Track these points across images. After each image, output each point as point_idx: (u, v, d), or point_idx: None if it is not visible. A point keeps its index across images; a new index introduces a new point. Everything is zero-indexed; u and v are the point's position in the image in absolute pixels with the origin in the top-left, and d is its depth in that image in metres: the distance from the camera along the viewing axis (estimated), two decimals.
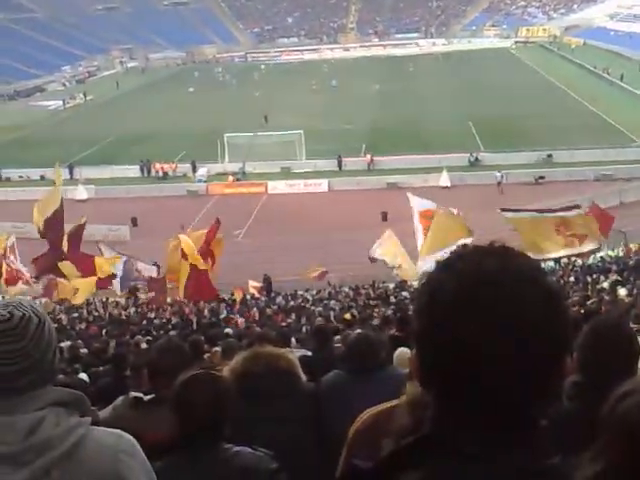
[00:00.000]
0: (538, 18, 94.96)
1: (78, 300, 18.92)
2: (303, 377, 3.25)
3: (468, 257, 0.99)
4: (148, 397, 2.92)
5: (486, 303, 0.93)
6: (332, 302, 18.44)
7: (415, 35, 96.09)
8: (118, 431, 1.62)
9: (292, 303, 19.33)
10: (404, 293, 18.44)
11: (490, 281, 0.94)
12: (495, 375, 0.92)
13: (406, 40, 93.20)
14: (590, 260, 20.88)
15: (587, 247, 15.89)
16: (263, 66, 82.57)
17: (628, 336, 2.55)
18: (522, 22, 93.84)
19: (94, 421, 1.59)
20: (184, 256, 15.23)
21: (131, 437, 1.62)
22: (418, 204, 18.49)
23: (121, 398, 3.04)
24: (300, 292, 21.46)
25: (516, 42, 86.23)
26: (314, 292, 21.29)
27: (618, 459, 1.06)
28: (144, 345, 10.00)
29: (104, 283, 19.09)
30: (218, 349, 6.59)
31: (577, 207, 16.37)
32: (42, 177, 37.93)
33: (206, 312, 17.40)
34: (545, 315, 0.94)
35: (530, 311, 0.93)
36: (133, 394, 2.97)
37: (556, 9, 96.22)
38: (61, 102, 63.50)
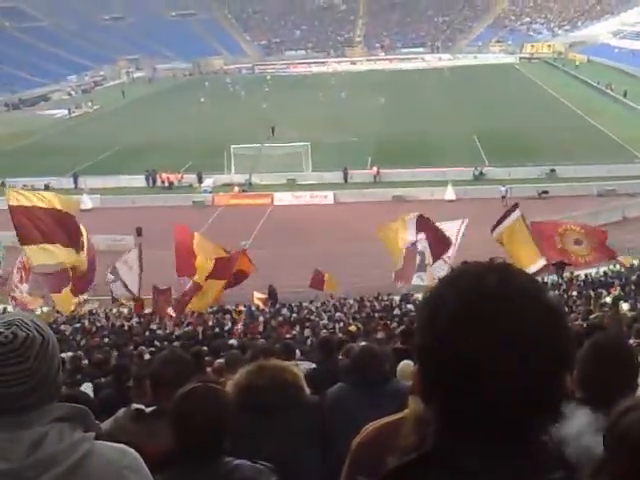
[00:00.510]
0: (543, 34, 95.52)
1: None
2: (307, 390, 3.24)
3: (469, 273, 1.00)
4: (150, 409, 2.91)
5: (487, 319, 0.93)
6: (337, 314, 18.42)
7: (421, 50, 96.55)
8: (122, 446, 1.60)
9: (296, 315, 19.30)
10: (409, 305, 18.41)
11: (491, 296, 0.95)
12: (496, 390, 0.92)
13: (412, 54, 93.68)
14: (593, 274, 20.89)
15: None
16: (269, 76, 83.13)
17: (629, 352, 2.55)
18: (527, 38, 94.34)
19: (97, 435, 1.57)
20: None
21: (135, 453, 1.60)
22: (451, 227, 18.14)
23: (122, 410, 3.03)
24: (305, 304, 21.42)
25: (521, 58, 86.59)
26: (319, 304, 21.24)
27: (621, 473, 1.06)
28: (147, 356, 9.99)
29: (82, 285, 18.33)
30: (221, 361, 6.57)
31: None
32: (46, 186, 37.99)
33: (210, 323, 17.38)
34: (546, 331, 0.94)
35: (531, 327, 0.93)
36: (135, 406, 2.96)
37: (561, 26, 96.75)
38: (66, 111, 63.77)
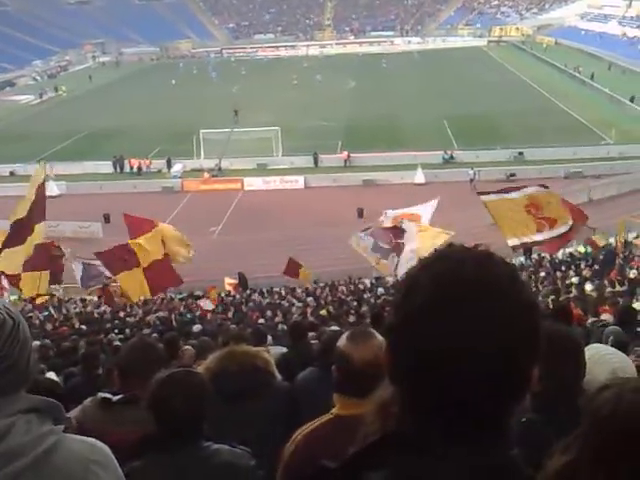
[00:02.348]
0: (511, 17, 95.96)
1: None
2: (278, 376, 3.24)
3: (448, 257, 0.99)
4: (117, 397, 2.88)
5: (459, 304, 0.93)
6: (309, 298, 18.46)
7: (391, 33, 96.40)
8: (92, 440, 1.56)
9: (268, 300, 19.30)
10: (380, 289, 18.53)
11: (466, 283, 0.94)
12: (460, 375, 0.92)
13: (381, 38, 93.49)
14: (559, 256, 21.21)
15: (558, 231, 16.04)
16: (233, 59, 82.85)
17: (576, 344, 2.58)
18: (495, 21, 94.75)
19: (67, 428, 1.53)
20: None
21: (106, 447, 1.57)
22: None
23: (90, 399, 3.00)
24: (276, 289, 21.41)
25: (489, 41, 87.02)
26: (290, 288, 21.26)
27: (588, 451, 1.08)
28: (117, 343, 9.91)
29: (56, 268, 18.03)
30: (189, 347, 6.54)
31: (545, 187, 16.40)
32: (11, 173, 37.30)
33: (182, 309, 17.32)
34: (517, 322, 0.94)
35: (502, 318, 0.93)
36: (101, 395, 2.93)
37: (529, 9, 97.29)
38: (32, 96, 62.52)
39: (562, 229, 15.57)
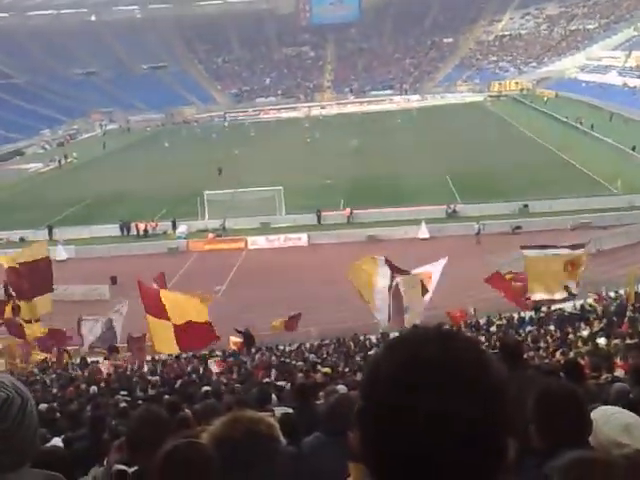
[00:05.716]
0: (510, 72, 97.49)
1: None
2: (283, 441, 3.19)
3: (410, 340, 0.98)
4: (132, 469, 2.86)
5: (422, 388, 0.92)
6: (311, 356, 18.26)
7: (390, 92, 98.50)
8: None
9: (273, 358, 19.11)
10: None
11: (428, 366, 0.93)
12: (427, 465, 0.91)
13: (381, 97, 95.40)
14: (569, 309, 21.00)
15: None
16: (226, 123, 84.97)
17: (579, 401, 2.55)
18: (494, 76, 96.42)
19: None
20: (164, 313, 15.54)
21: None
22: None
23: (101, 469, 2.97)
24: (281, 347, 21.26)
25: (490, 96, 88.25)
26: (295, 346, 21.10)
27: None
28: (123, 405, 9.78)
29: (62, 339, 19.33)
30: (188, 412, 6.43)
31: (582, 246, 16.85)
32: (22, 239, 37.67)
33: (189, 369, 17.20)
34: (482, 405, 0.93)
35: (466, 402, 0.92)
36: (117, 467, 2.91)
37: (527, 63, 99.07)
38: (41, 164, 63.90)
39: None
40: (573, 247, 16.66)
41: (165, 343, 16.51)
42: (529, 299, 18.79)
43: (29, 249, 20.00)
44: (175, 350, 17.43)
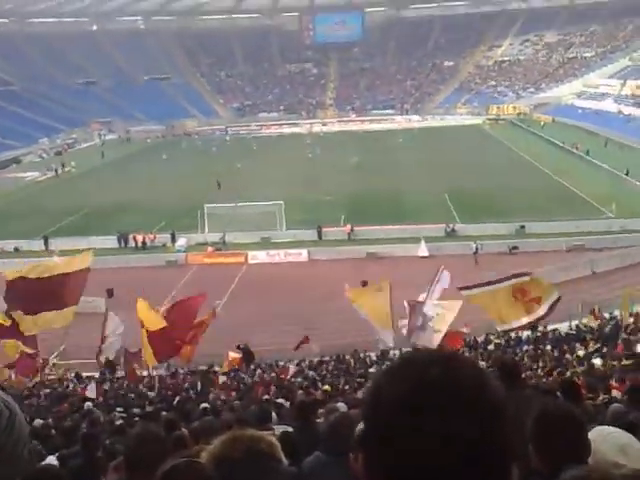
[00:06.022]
0: (508, 97, 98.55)
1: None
2: (284, 460, 3.17)
3: (413, 363, 0.99)
4: None
5: (426, 411, 0.93)
6: (311, 373, 18.18)
7: (391, 112, 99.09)
8: None
9: (272, 375, 19.03)
10: (388, 362, 18.25)
11: (432, 389, 0.94)
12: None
13: (382, 116, 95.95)
14: (565, 329, 21.08)
15: (544, 308, 16.38)
16: (228, 137, 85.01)
17: (577, 421, 2.56)
18: (492, 100, 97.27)
19: None
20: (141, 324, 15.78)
21: None
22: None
23: None
24: (281, 363, 21.17)
25: (488, 119, 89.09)
26: (295, 363, 21.02)
27: None
28: (120, 422, 9.71)
29: None
30: (185, 431, 6.39)
31: (527, 274, 16.89)
32: (16, 249, 37.53)
33: (186, 385, 17.11)
34: (485, 427, 0.94)
35: (470, 423, 0.93)
36: None
37: (525, 88, 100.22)
38: (37, 173, 63.59)
39: (547, 304, 16.04)
40: (515, 276, 16.62)
41: (148, 354, 16.56)
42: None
43: (74, 258, 19.54)
44: (153, 361, 17.38)
